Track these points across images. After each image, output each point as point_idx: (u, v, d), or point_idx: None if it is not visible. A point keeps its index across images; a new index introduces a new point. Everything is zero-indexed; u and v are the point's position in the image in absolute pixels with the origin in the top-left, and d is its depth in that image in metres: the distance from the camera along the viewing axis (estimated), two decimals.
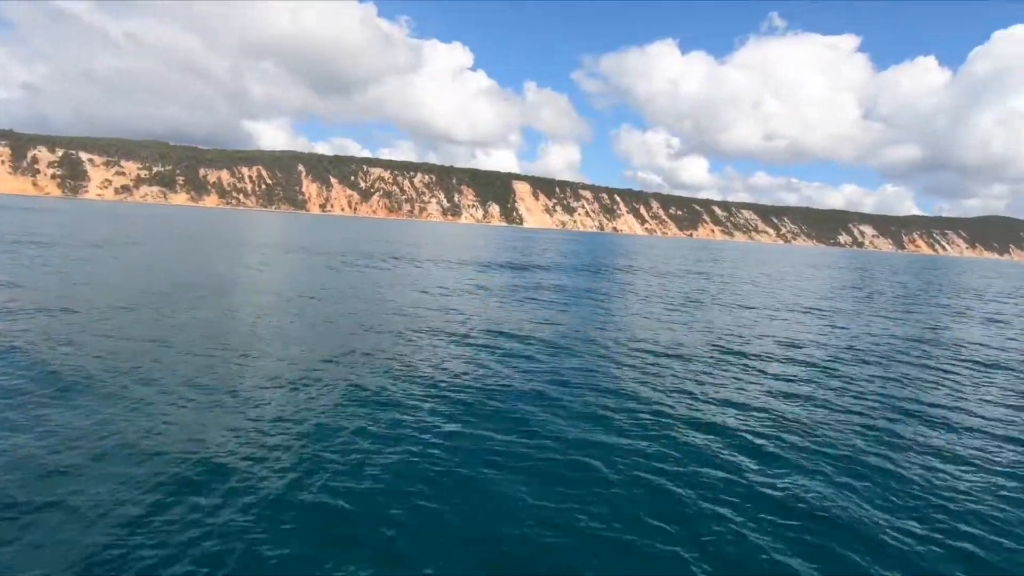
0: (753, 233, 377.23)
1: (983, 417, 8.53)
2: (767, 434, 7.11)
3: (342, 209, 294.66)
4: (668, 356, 11.25)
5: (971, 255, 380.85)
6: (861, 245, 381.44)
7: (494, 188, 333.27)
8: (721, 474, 5.84)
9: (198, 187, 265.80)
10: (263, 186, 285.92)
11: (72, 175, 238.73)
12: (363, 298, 16.21)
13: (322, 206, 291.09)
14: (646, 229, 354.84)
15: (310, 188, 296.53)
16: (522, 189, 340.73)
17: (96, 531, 4.22)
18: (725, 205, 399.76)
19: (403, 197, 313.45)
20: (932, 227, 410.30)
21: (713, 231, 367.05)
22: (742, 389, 9.18)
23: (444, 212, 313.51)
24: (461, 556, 4.30)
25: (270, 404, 7.04)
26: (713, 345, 12.52)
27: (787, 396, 8.94)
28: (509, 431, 6.68)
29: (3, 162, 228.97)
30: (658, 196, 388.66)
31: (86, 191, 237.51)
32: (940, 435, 7.58)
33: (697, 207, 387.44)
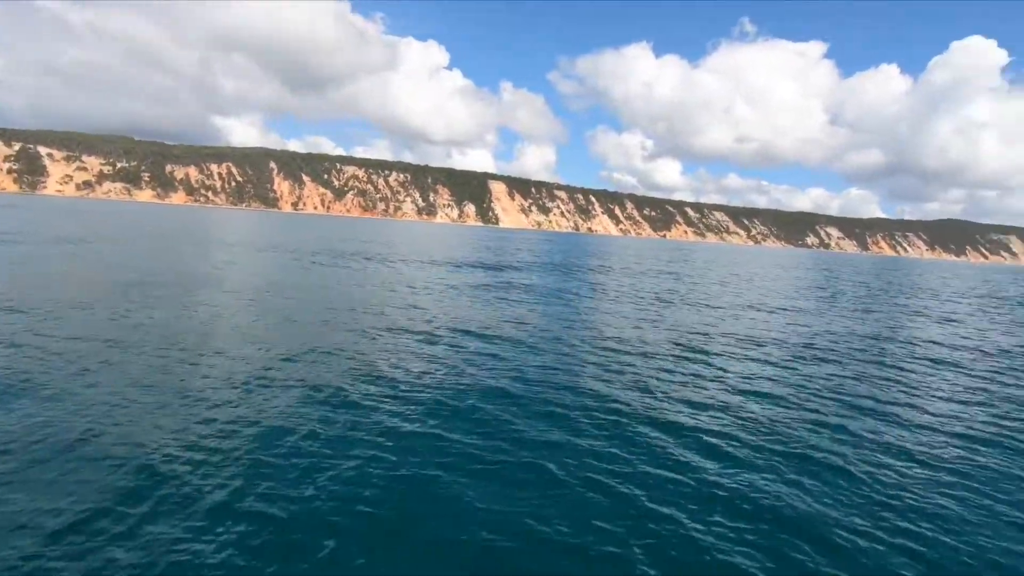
0: (724, 234, 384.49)
1: (932, 414, 8.79)
2: (722, 432, 7.19)
3: (315, 208, 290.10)
4: (631, 354, 11.32)
5: (931, 257, 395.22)
6: (827, 246, 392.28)
7: (470, 188, 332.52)
8: (674, 473, 5.87)
9: (164, 184, 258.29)
10: (233, 183, 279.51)
11: (30, 170, 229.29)
12: (328, 297, 15.93)
13: (294, 204, 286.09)
14: (620, 230, 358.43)
15: (282, 186, 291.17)
16: (498, 189, 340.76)
17: (16, 542, 4.01)
18: (698, 207, 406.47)
19: (378, 196, 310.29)
20: (894, 229, 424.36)
21: (686, 232, 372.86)
22: (701, 387, 9.28)
23: (419, 211, 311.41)
24: (408, 564, 4.22)
25: (221, 406, 6.83)
26: (677, 344, 12.67)
27: (745, 394, 9.07)
28: (466, 432, 6.60)
29: None
30: (632, 197, 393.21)
31: (45, 187, 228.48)
32: (891, 432, 7.78)
33: (671, 208, 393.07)
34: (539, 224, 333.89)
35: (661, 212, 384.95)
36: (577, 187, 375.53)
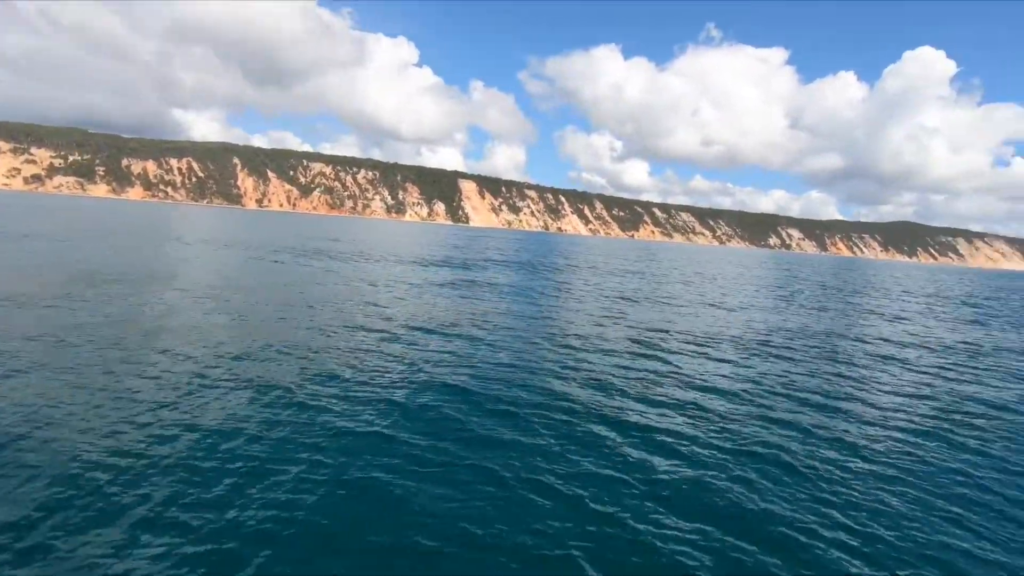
0: (691, 235, 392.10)
1: (878, 408, 9.05)
2: (672, 430, 7.22)
3: (280, 205, 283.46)
4: (590, 352, 11.33)
5: (884, 257, 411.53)
6: (789, 247, 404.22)
7: (440, 186, 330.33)
8: (621, 472, 5.84)
9: (120, 178, 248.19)
10: (194, 179, 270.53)
11: None
12: (285, 295, 15.48)
13: (259, 201, 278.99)
14: (590, 229, 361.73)
15: (246, 182, 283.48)
16: (468, 188, 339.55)
17: None
18: (665, 207, 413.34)
19: (346, 193, 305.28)
20: (851, 231, 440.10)
21: (653, 232, 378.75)
22: (656, 385, 9.34)
23: (388, 209, 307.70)
24: (344, 573, 4.07)
25: (158, 408, 6.51)
26: (636, 341, 12.75)
27: (699, 391, 9.16)
28: (415, 432, 6.45)
29: None
30: (602, 197, 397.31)
31: None
32: (838, 427, 7.96)
33: (639, 209, 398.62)
34: (509, 223, 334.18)
35: (630, 212, 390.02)
36: (547, 187, 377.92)
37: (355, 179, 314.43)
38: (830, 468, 6.43)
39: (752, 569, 4.40)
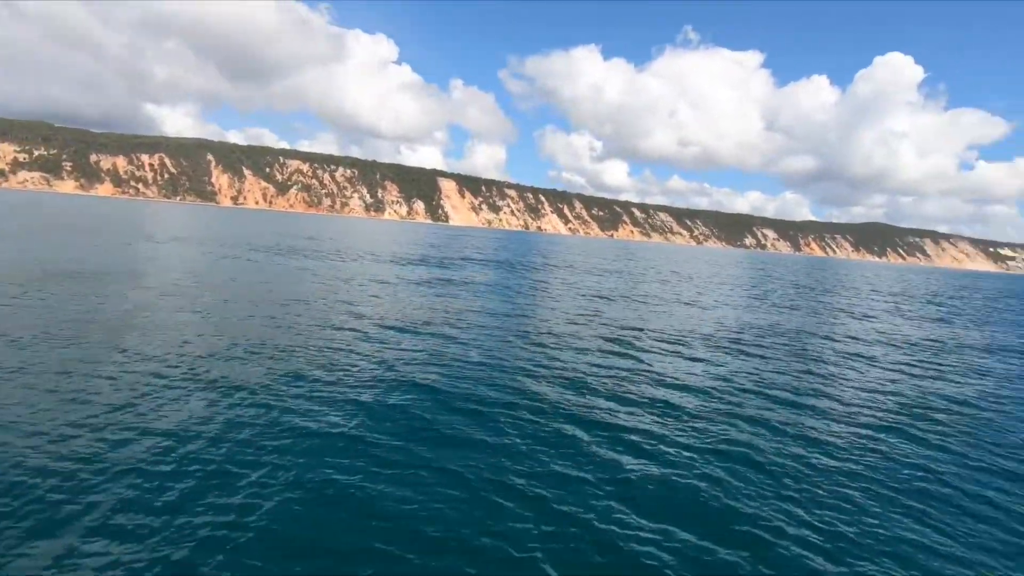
0: (669, 234, 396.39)
1: (844, 404, 9.20)
2: (640, 428, 7.22)
3: (256, 203, 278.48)
4: (563, 350, 11.31)
5: (856, 257, 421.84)
6: (764, 247, 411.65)
7: (419, 185, 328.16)
8: (586, 472, 5.80)
9: (89, 174, 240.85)
10: (166, 175, 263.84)
11: None
12: (255, 293, 15.12)
13: (234, 198, 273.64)
14: (569, 229, 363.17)
15: (220, 179, 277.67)
16: (448, 187, 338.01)
17: None
18: (643, 207, 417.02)
19: (323, 191, 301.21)
20: (824, 232, 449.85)
21: (632, 232, 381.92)
22: (627, 382, 9.34)
23: (367, 208, 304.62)
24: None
25: (113, 411, 6.25)
26: (608, 339, 12.76)
27: (670, 388, 9.19)
28: (382, 433, 6.32)
29: None
30: (581, 197, 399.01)
31: None
32: (805, 423, 8.06)
33: (618, 209, 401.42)
34: (489, 222, 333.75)
35: (609, 212, 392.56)
36: (527, 186, 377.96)
37: (333, 177, 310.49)
38: (796, 465, 6.49)
39: (716, 567, 4.40)
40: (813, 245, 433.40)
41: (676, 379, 9.87)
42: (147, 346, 8.95)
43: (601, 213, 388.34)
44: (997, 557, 4.96)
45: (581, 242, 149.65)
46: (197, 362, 8.35)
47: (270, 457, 5.56)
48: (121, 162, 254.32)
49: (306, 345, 9.97)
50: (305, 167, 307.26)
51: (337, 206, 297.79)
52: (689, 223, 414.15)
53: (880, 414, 8.82)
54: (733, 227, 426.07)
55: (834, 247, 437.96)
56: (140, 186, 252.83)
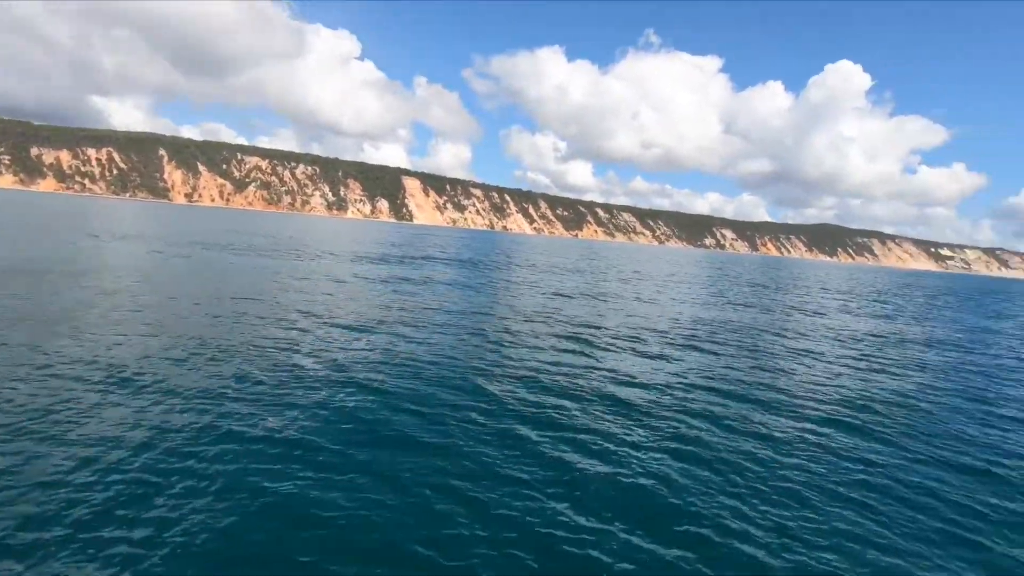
0: (632, 234, 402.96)
1: (792, 399, 9.36)
2: (590, 426, 7.14)
3: (212, 200, 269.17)
4: (517, 347, 11.18)
5: (809, 257, 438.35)
6: (723, 247, 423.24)
7: (383, 183, 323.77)
8: (532, 472, 5.68)
9: (30, 168, 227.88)
10: (115, 170, 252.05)
11: None
12: (201, 291, 14.42)
13: (188, 196, 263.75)
14: (535, 228, 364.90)
15: (174, 175, 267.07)
16: (412, 185, 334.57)
17: None
18: (607, 208, 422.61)
19: (283, 189, 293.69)
20: (779, 232, 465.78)
21: (596, 232, 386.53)
22: (578, 379, 9.27)
23: (329, 206, 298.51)
24: None
25: (31, 418, 5.78)
26: (564, 337, 12.70)
27: (620, 385, 9.15)
28: (323, 435, 6.03)
29: None
30: (546, 197, 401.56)
31: None
32: (753, 418, 8.15)
33: (582, 209, 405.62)
34: (454, 222, 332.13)
35: (573, 212, 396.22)
36: (492, 185, 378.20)
37: (293, 174, 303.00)
38: (742, 460, 6.52)
39: (659, 567, 4.33)
40: (769, 245, 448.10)
41: (628, 376, 9.87)
42: (75, 348, 8.37)
43: (566, 213, 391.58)
44: (933, 546, 5.06)
45: (546, 242, 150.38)
46: (128, 364, 7.84)
47: (199, 466, 5.22)
48: (65, 156, 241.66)
49: (250, 345, 9.53)
50: (264, 164, 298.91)
51: (298, 204, 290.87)
52: (652, 223, 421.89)
53: (825, 408, 9.02)
54: (694, 228, 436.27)
55: (789, 247, 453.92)
56: (86, 182, 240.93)
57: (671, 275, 42.73)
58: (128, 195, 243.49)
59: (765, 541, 4.82)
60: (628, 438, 6.84)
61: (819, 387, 10.40)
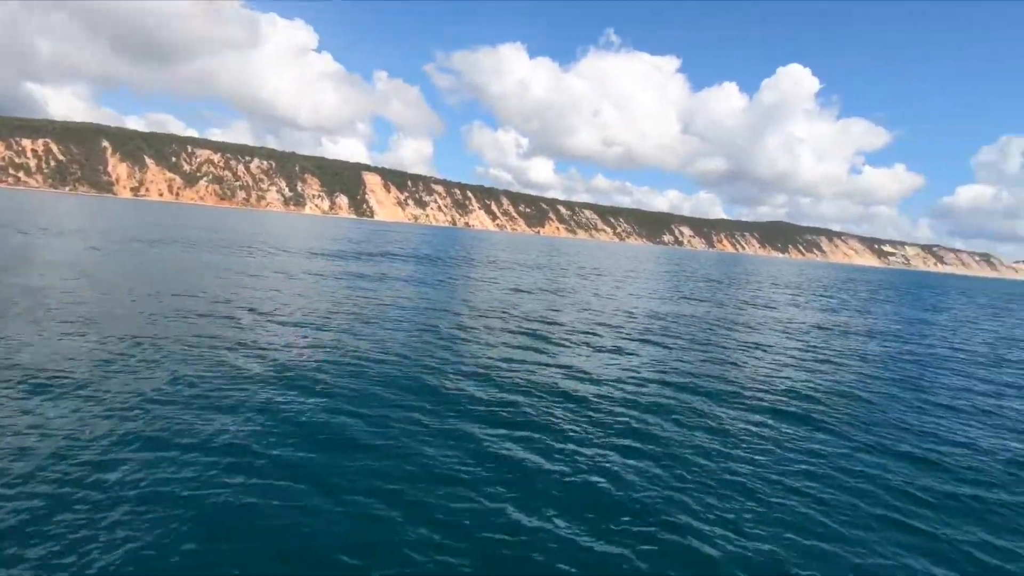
0: (593, 231, 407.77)
1: (741, 391, 9.51)
2: (541, 422, 7.04)
3: (161, 194, 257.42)
4: (471, 344, 11.02)
5: (762, 253, 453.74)
6: (681, 244, 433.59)
7: (342, 179, 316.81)
8: (475, 472, 5.53)
9: None
10: (53, 163, 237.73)
11: None
12: (141, 288, 13.61)
13: (135, 190, 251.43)
14: (497, 225, 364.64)
15: (118, 168, 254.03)
16: (373, 181, 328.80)
17: None
18: (569, 205, 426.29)
19: (237, 184, 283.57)
20: (734, 229, 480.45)
21: (559, 228, 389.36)
22: (532, 374, 9.18)
23: (286, 202, 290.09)
24: None
25: None
26: (520, 333, 12.60)
27: (574, 380, 9.11)
28: (259, 439, 5.71)
29: None
30: (508, 193, 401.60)
31: None
32: (705, 410, 8.22)
33: (544, 205, 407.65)
34: (416, 218, 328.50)
35: (535, 209, 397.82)
36: (454, 182, 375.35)
37: (248, 168, 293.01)
38: (689, 454, 6.53)
39: (606, 562, 4.24)
40: (725, 242, 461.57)
41: (581, 372, 9.83)
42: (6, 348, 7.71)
43: (528, 210, 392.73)
44: (873, 532, 5.16)
45: (508, 238, 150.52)
46: (47, 367, 7.27)
47: (118, 476, 4.82)
48: None
49: (187, 345, 9.01)
50: (216, 157, 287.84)
51: (253, 199, 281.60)
52: (613, 220, 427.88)
53: (772, 399, 9.19)
54: (653, 225, 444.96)
55: (743, 244, 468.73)
56: (21, 174, 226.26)
57: (630, 271, 43.33)
58: (68, 189, 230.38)
59: (710, 534, 4.80)
60: (576, 434, 6.77)
61: (767, 379, 10.62)
